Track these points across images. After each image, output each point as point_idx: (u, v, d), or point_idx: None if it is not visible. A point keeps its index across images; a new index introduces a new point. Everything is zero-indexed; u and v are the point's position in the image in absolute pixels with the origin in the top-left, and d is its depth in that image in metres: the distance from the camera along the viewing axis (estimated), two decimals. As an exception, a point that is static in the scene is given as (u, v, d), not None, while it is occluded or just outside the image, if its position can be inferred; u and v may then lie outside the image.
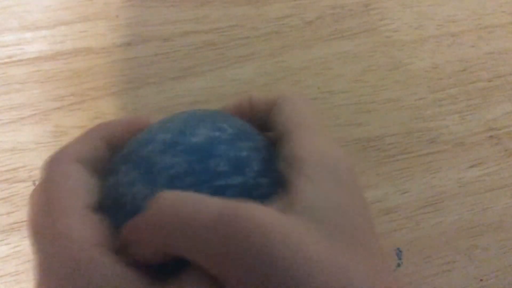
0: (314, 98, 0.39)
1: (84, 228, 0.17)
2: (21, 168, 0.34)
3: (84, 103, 0.37)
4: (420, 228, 0.35)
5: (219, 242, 0.15)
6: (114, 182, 0.19)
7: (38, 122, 0.36)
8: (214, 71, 0.39)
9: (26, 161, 0.35)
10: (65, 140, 0.36)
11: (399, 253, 0.35)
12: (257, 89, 0.39)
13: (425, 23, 0.44)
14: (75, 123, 0.36)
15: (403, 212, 0.36)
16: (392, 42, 0.43)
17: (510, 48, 0.44)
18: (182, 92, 0.38)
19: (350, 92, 0.40)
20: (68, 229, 0.17)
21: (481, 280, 0.34)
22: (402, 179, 0.37)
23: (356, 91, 0.40)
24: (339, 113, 0.39)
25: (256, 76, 0.40)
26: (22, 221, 0.33)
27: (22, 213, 0.33)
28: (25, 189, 0.34)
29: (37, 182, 0.34)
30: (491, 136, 0.40)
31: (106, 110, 0.37)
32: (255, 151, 0.20)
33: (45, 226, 0.18)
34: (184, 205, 0.16)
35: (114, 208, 0.19)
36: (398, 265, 0.34)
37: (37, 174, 0.34)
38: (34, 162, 0.35)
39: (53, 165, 0.19)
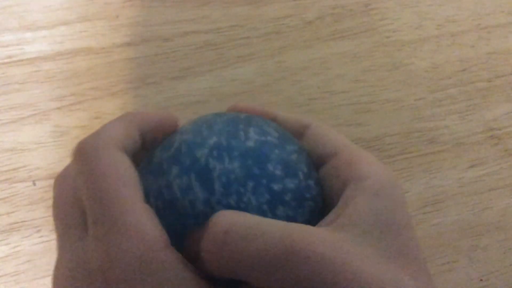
0: (314, 98, 0.39)
1: (153, 226, 0.17)
2: (21, 168, 0.34)
3: (84, 103, 0.37)
4: (420, 228, 0.35)
5: (279, 271, 0.15)
6: (165, 183, 0.19)
7: (38, 122, 0.36)
8: (214, 71, 0.39)
9: (26, 161, 0.35)
10: (65, 140, 0.36)
11: (399, 253, 0.35)
12: (257, 89, 0.39)
13: (425, 23, 0.44)
14: (75, 123, 0.36)
15: (403, 212, 0.36)
16: (392, 42, 0.43)
17: (510, 48, 0.44)
18: (182, 92, 0.38)
19: (350, 92, 0.40)
20: (138, 225, 0.16)
21: (481, 280, 0.34)
22: (402, 179, 0.37)
23: (356, 91, 0.40)
24: (339, 113, 0.39)
25: (256, 76, 0.40)
26: (22, 221, 0.33)
27: (22, 213, 0.33)
28: (25, 189, 0.34)
29: (37, 182, 0.34)
30: (491, 136, 0.40)
31: (106, 110, 0.37)
32: (300, 154, 0.21)
33: (103, 218, 0.17)
34: (247, 231, 0.16)
35: (167, 210, 0.19)
36: (398, 265, 0.34)
37: (37, 174, 0.34)
38: (34, 162, 0.35)
39: (97, 152, 0.18)
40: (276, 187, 0.19)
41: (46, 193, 0.34)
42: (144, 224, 0.16)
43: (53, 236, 0.32)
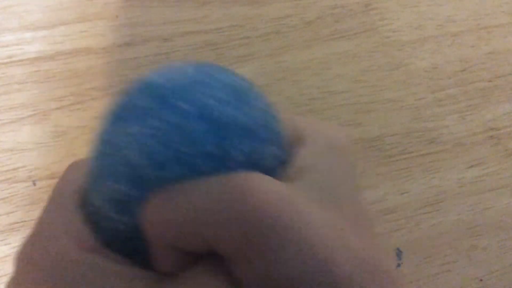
0: (314, 98, 0.39)
1: (69, 228, 0.17)
2: (21, 168, 0.34)
3: (84, 103, 0.37)
4: (420, 228, 0.35)
5: (222, 214, 0.15)
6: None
7: (38, 122, 0.36)
8: (214, 71, 0.39)
9: (26, 161, 0.35)
10: (65, 140, 0.36)
11: (399, 253, 0.35)
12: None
13: (425, 23, 0.44)
14: (75, 123, 0.36)
15: (403, 212, 0.36)
16: (392, 42, 0.43)
17: (510, 48, 0.44)
18: (182, 92, 0.38)
19: (350, 92, 0.40)
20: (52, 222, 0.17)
21: (481, 280, 0.34)
22: (402, 179, 0.37)
23: (356, 91, 0.40)
24: (339, 113, 0.39)
25: (256, 76, 0.40)
26: (22, 221, 0.33)
27: (22, 213, 0.33)
28: (25, 189, 0.34)
29: (37, 182, 0.34)
30: (491, 136, 0.40)
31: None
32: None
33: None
34: (185, 187, 0.16)
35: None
36: (398, 265, 0.34)
37: (37, 174, 0.34)
38: (34, 162, 0.35)
39: (51, 204, 0.19)
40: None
41: (46, 193, 0.34)
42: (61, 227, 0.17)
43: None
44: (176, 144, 0.16)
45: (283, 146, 0.19)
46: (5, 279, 0.31)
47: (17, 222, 0.33)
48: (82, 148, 0.35)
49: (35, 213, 0.33)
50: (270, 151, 0.18)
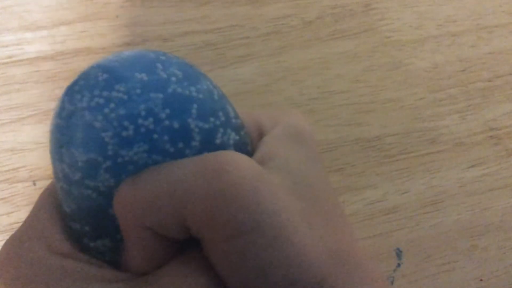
0: (314, 98, 0.39)
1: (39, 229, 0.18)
2: (21, 168, 0.34)
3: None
4: (420, 228, 0.35)
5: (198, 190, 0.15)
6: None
7: (38, 122, 0.36)
8: (214, 71, 0.39)
9: (26, 161, 0.35)
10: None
11: (399, 253, 0.35)
12: (257, 89, 0.39)
13: (425, 23, 0.44)
14: (75, 123, 0.36)
15: (403, 212, 0.36)
16: (392, 42, 0.43)
17: (510, 48, 0.44)
18: (182, 92, 0.38)
19: (350, 92, 0.40)
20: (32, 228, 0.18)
21: (481, 280, 0.34)
22: (402, 179, 0.37)
23: (356, 91, 0.40)
24: (339, 113, 0.39)
25: (256, 76, 0.40)
26: (22, 221, 0.33)
27: (22, 213, 0.33)
28: (25, 189, 0.34)
29: (37, 182, 0.34)
30: (491, 136, 0.40)
31: (106, 110, 0.37)
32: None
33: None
34: (154, 171, 0.16)
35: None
36: (398, 265, 0.34)
37: (37, 174, 0.34)
38: (34, 162, 0.35)
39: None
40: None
41: (46, 193, 0.34)
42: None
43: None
44: (134, 113, 0.17)
45: (244, 134, 0.19)
46: (5, 279, 0.31)
47: (17, 222, 0.33)
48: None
49: (35, 213, 0.33)
50: (230, 135, 0.18)
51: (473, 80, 0.42)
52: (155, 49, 0.40)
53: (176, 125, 0.17)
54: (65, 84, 0.38)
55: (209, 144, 0.17)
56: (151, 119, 0.16)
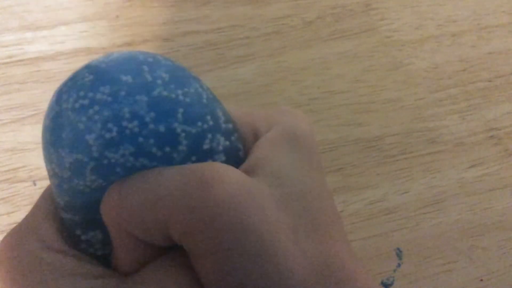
0: (314, 98, 0.39)
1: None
2: (21, 168, 0.34)
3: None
4: (420, 228, 0.35)
5: (186, 206, 0.15)
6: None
7: (38, 122, 0.36)
8: (214, 71, 0.39)
9: (26, 161, 0.35)
10: (65, 140, 0.36)
11: (399, 253, 0.35)
12: (257, 89, 0.39)
13: (425, 23, 0.44)
14: (75, 123, 0.36)
15: (403, 212, 0.36)
16: (392, 42, 0.43)
17: (510, 48, 0.44)
18: (182, 92, 0.38)
19: (350, 92, 0.40)
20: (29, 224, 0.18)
21: (481, 280, 0.34)
22: (402, 179, 0.37)
23: (356, 91, 0.40)
24: (339, 113, 0.39)
25: (256, 76, 0.40)
26: (22, 221, 0.33)
27: (22, 213, 0.33)
28: (26, 189, 0.34)
29: (37, 182, 0.34)
30: (491, 136, 0.40)
31: (106, 110, 0.37)
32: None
33: None
34: (144, 176, 0.16)
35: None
36: (398, 265, 0.34)
37: (37, 174, 0.34)
38: (35, 162, 0.35)
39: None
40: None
41: (46, 193, 0.34)
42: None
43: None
44: (118, 115, 0.16)
45: (235, 140, 0.19)
46: (6, 279, 0.31)
47: (17, 222, 0.33)
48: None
49: (36, 213, 0.33)
50: (219, 140, 0.18)
51: (473, 80, 0.42)
52: (155, 49, 0.40)
53: (161, 128, 0.17)
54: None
55: (197, 149, 0.17)
56: (136, 122, 0.16)
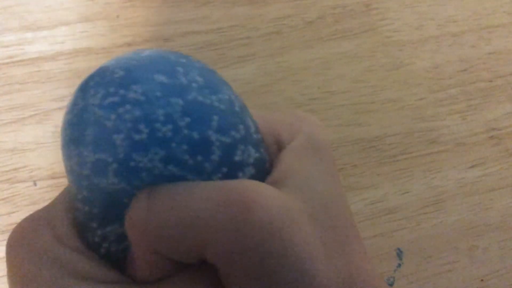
0: (315, 98, 0.39)
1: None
2: (22, 168, 0.34)
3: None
4: (420, 228, 0.35)
5: (224, 229, 0.14)
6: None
7: (39, 123, 0.36)
8: (214, 71, 0.39)
9: (27, 162, 0.35)
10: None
11: (399, 253, 0.35)
12: (257, 89, 0.39)
13: (426, 23, 0.44)
14: (76, 123, 0.36)
15: (403, 212, 0.36)
16: (393, 42, 0.43)
17: (511, 48, 0.44)
18: (182, 92, 0.38)
19: (351, 92, 0.40)
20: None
21: (481, 280, 0.34)
22: (403, 179, 0.37)
23: (356, 91, 0.40)
24: (339, 113, 0.39)
25: (256, 76, 0.40)
26: (22, 221, 0.33)
27: (23, 213, 0.33)
28: (26, 190, 0.34)
29: (38, 182, 0.34)
30: (492, 136, 0.40)
31: (106, 110, 0.37)
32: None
33: None
34: (175, 191, 0.15)
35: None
36: (399, 265, 0.34)
37: (38, 175, 0.34)
38: (35, 162, 0.35)
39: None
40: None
41: (47, 194, 0.34)
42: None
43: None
44: (151, 117, 0.15)
45: (263, 151, 0.18)
46: (5, 280, 0.31)
47: (18, 222, 0.33)
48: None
49: (36, 213, 0.33)
50: (250, 152, 0.17)
51: (474, 80, 0.42)
52: (155, 49, 0.40)
53: (196, 135, 0.16)
54: (66, 84, 0.38)
55: (229, 160, 0.16)
56: (169, 126, 0.15)
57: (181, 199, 0.15)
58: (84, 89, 0.17)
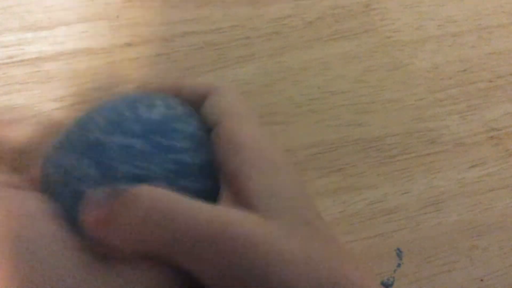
0: (315, 98, 0.39)
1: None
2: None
3: (85, 103, 0.37)
4: (420, 228, 0.35)
5: (205, 249, 0.16)
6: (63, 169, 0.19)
7: (39, 123, 0.36)
8: (214, 72, 0.39)
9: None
10: (65, 140, 0.36)
11: (399, 253, 0.35)
12: (257, 89, 0.39)
13: (426, 24, 0.44)
14: (76, 124, 0.36)
15: (403, 212, 0.36)
16: (393, 42, 0.43)
17: (510, 48, 0.44)
18: (182, 93, 0.38)
19: (351, 93, 0.40)
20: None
21: (481, 280, 0.34)
22: (403, 180, 0.37)
23: (356, 92, 0.40)
24: (339, 113, 0.39)
25: (256, 76, 0.40)
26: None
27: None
28: (26, 190, 0.34)
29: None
30: (491, 137, 0.40)
31: (106, 111, 0.37)
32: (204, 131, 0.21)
33: None
34: (171, 208, 0.16)
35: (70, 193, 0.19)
36: (399, 265, 0.34)
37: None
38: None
39: None
40: (184, 159, 0.19)
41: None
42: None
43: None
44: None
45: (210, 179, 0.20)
46: None
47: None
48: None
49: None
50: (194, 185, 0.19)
51: (474, 80, 0.42)
52: (156, 49, 0.40)
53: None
54: (66, 84, 0.38)
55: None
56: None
57: (175, 215, 0.16)
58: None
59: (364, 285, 0.16)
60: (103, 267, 0.16)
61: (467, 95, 0.41)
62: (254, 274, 0.15)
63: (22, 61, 0.38)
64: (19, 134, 0.23)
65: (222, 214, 0.16)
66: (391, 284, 0.34)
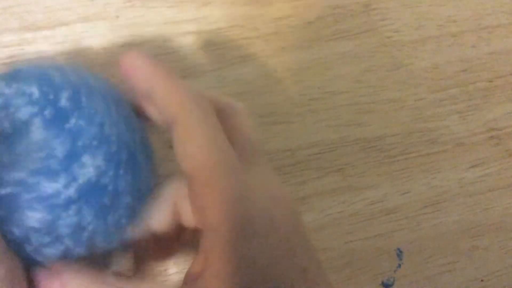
0: (315, 98, 0.39)
1: None
2: (22, 168, 0.34)
3: (84, 103, 0.37)
4: (420, 228, 0.35)
5: None
6: None
7: (39, 123, 0.36)
8: (214, 72, 0.39)
9: (27, 162, 0.35)
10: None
11: (399, 253, 0.35)
12: (257, 89, 0.39)
13: (426, 24, 0.44)
14: (76, 124, 0.36)
15: (403, 212, 0.36)
16: (393, 42, 0.43)
17: (511, 48, 0.44)
18: (182, 93, 0.38)
19: (350, 93, 0.40)
20: None
21: (481, 280, 0.34)
22: (403, 180, 0.37)
23: (356, 92, 0.40)
24: (339, 113, 0.39)
25: (256, 76, 0.40)
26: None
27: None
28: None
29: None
30: (491, 137, 0.40)
31: (106, 111, 0.37)
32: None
33: None
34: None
35: None
36: (399, 265, 0.34)
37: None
38: (35, 162, 0.35)
39: None
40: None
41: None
42: None
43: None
44: None
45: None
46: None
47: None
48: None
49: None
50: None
51: (474, 80, 0.42)
52: (155, 49, 0.40)
53: None
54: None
55: None
56: None
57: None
58: None
59: None
60: None
61: (467, 95, 0.41)
62: None
63: (22, 61, 0.38)
64: None
65: None
66: (392, 284, 0.34)
